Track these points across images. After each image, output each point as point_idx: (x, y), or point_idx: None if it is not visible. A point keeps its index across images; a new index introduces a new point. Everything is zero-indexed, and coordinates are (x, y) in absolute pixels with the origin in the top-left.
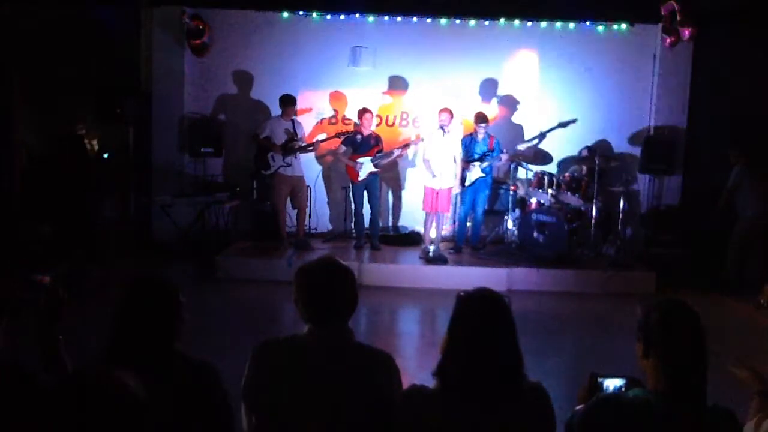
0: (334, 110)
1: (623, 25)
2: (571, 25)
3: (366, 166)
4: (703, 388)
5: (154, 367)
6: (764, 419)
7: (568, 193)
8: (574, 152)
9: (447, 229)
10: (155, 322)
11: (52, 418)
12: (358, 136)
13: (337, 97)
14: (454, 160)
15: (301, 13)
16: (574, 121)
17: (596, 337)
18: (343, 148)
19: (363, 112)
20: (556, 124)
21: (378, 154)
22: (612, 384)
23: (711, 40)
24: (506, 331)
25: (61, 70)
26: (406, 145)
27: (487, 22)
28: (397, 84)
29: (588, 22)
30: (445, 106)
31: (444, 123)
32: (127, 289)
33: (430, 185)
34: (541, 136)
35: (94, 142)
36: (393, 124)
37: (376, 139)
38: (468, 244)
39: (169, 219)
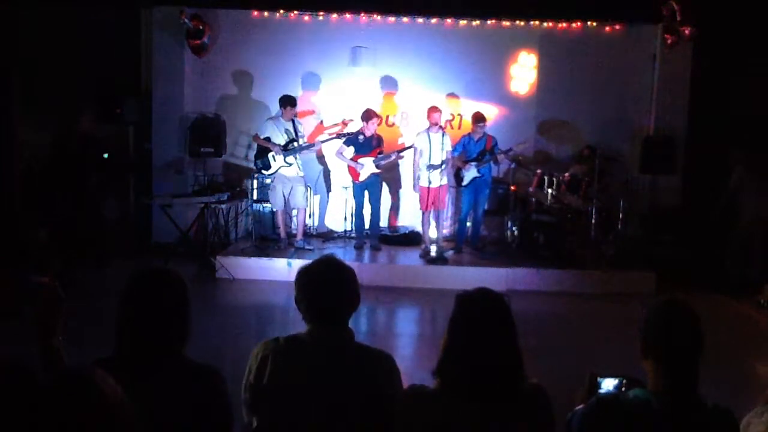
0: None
1: (623, 25)
2: (572, 24)
3: (367, 167)
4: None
5: (158, 369)
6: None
7: (568, 193)
8: (574, 152)
9: (447, 229)
10: (166, 318)
11: (45, 418)
12: (360, 137)
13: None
14: (447, 156)
15: (300, 13)
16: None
17: (596, 337)
18: (345, 148)
19: (370, 116)
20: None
21: (379, 155)
22: (611, 384)
23: (711, 40)
24: (506, 331)
25: (61, 70)
26: (407, 147)
27: (487, 22)
28: (397, 84)
29: (588, 22)
30: (432, 105)
31: (435, 121)
32: (134, 282)
33: (425, 185)
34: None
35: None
36: (393, 124)
37: (378, 140)
38: (468, 244)
39: (169, 219)
